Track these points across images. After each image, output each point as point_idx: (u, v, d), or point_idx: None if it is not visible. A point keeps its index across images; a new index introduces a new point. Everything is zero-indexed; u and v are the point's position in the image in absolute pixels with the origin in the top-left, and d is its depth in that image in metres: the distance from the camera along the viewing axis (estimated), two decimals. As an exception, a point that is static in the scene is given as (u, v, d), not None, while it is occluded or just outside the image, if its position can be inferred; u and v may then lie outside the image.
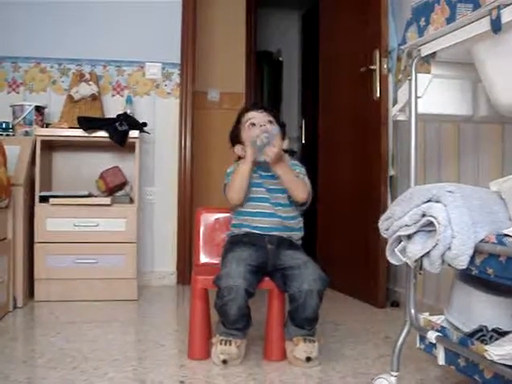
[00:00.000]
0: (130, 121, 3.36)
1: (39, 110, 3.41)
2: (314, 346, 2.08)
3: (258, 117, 2.30)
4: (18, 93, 3.70)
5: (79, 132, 3.26)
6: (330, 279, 2.14)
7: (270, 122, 2.29)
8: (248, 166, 2.22)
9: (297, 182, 2.25)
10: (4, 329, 2.62)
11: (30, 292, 3.17)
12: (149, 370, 2.04)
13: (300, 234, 2.33)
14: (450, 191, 1.46)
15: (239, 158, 2.35)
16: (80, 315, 2.90)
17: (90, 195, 3.33)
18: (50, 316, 2.89)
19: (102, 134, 3.28)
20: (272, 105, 5.58)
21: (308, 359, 2.05)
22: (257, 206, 2.27)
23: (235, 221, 2.33)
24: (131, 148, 3.36)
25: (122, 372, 2.00)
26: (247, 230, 2.27)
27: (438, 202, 1.45)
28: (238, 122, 2.36)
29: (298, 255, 2.18)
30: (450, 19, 1.56)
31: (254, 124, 2.28)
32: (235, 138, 2.36)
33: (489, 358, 1.34)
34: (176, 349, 2.35)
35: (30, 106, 3.38)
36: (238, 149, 2.34)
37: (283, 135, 2.31)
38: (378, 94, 3.13)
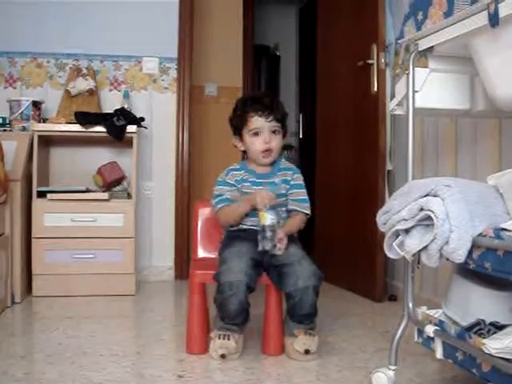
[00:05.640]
0: (127, 116, 3.36)
1: (36, 105, 3.41)
2: (313, 339, 2.09)
3: (263, 127, 2.23)
4: (14, 88, 3.68)
5: (76, 127, 3.25)
6: (327, 273, 2.14)
7: (274, 132, 2.25)
8: (247, 210, 2.20)
9: (296, 229, 2.27)
10: (2, 324, 2.62)
11: (28, 287, 3.17)
12: (147, 364, 2.05)
13: None
14: (447, 185, 1.46)
15: (244, 153, 2.36)
16: (78, 310, 2.90)
17: (87, 190, 3.32)
18: (48, 311, 2.89)
19: (100, 129, 3.27)
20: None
21: (307, 352, 2.06)
22: (252, 209, 2.22)
23: None
24: (129, 143, 3.36)
25: (120, 367, 2.00)
26: (244, 227, 2.27)
27: (435, 196, 1.46)
28: (245, 112, 2.25)
29: (293, 251, 2.16)
30: (448, 13, 1.56)
31: (257, 134, 2.24)
32: (236, 130, 2.31)
33: (486, 351, 1.34)
34: (174, 343, 2.35)
35: (28, 101, 3.37)
36: (236, 143, 2.34)
37: (285, 132, 2.31)
38: (376, 89, 3.13)
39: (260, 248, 2.09)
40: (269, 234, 2.07)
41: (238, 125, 2.29)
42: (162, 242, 3.85)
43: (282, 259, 2.12)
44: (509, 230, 1.34)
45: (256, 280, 2.09)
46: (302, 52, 6.06)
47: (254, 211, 2.19)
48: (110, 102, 3.67)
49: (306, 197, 2.31)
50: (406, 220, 1.52)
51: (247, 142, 2.28)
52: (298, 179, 2.33)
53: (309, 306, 2.07)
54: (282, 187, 2.27)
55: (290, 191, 2.29)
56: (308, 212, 2.29)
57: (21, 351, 2.25)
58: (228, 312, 2.05)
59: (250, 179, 2.29)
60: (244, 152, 2.36)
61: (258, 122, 2.23)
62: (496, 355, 1.33)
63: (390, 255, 1.60)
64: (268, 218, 2.08)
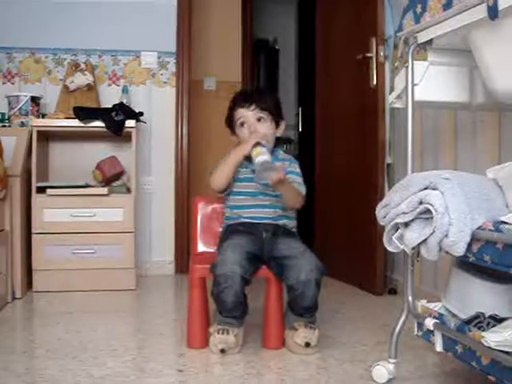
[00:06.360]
0: (126, 110, 3.35)
1: (35, 100, 3.40)
2: (314, 332, 2.09)
3: (247, 116, 2.28)
4: (13, 83, 3.68)
5: (75, 122, 3.25)
6: (327, 267, 2.15)
7: (259, 119, 2.27)
8: (238, 157, 2.22)
9: (294, 196, 2.26)
10: (3, 320, 2.62)
11: (28, 283, 3.17)
12: (148, 359, 2.05)
13: (293, 222, 2.35)
14: (446, 178, 1.46)
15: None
16: (78, 305, 2.91)
17: (86, 185, 3.32)
18: (48, 306, 2.90)
19: (98, 123, 3.26)
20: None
21: (307, 345, 2.06)
22: (249, 199, 2.27)
23: (228, 214, 2.35)
24: (128, 138, 3.35)
25: (121, 361, 2.01)
26: (242, 220, 2.28)
27: (434, 189, 1.45)
28: (232, 113, 2.34)
29: (294, 244, 2.18)
30: (447, 6, 1.55)
31: (242, 124, 2.28)
32: (231, 127, 2.36)
33: (486, 344, 1.35)
34: (175, 338, 2.36)
35: (26, 96, 3.36)
36: (234, 139, 2.36)
37: (279, 117, 2.33)
38: (375, 82, 3.12)
39: (256, 171, 2.13)
40: (262, 161, 2.09)
41: (230, 121, 2.36)
42: (162, 236, 3.86)
43: (283, 251, 2.14)
44: (508, 223, 1.34)
45: (251, 272, 2.09)
46: (301, 45, 6.05)
47: (252, 205, 2.25)
48: (109, 97, 3.66)
49: (303, 184, 2.32)
50: (406, 213, 1.52)
51: (238, 135, 2.32)
52: (295, 168, 2.35)
53: (310, 299, 2.07)
54: None
55: (287, 176, 2.30)
56: (303, 194, 2.29)
57: (22, 346, 2.26)
58: (224, 304, 2.06)
59: (248, 165, 2.30)
60: None
61: (241, 112, 2.29)
62: (495, 348, 1.33)
63: (390, 248, 1.60)
64: (261, 151, 2.12)
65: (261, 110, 2.27)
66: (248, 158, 2.22)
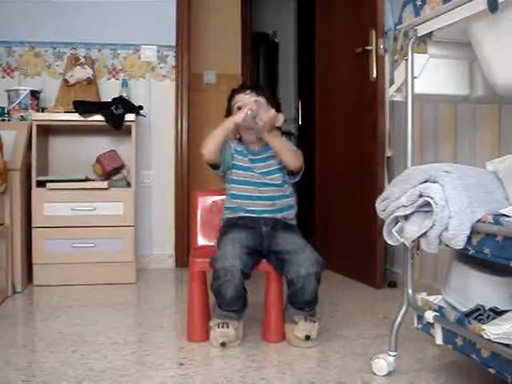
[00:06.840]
0: (125, 104, 3.35)
1: (34, 94, 3.39)
2: (314, 325, 2.10)
3: (243, 99, 2.31)
4: (12, 77, 3.68)
5: (75, 116, 3.24)
6: (328, 260, 2.15)
7: (256, 100, 2.30)
8: (230, 123, 2.24)
9: (290, 150, 2.27)
10: (3, 314, 2.63)
11: (28, 277, 3.18)
12: (148, 352, 2.05)
13: (293, 211, 2.35)
14: (446, 171, 1.46)
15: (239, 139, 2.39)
16: (79, 299, 2.91)
17: (86, 179, 3.33)
18: (49, 300, 2.90)
19: (98, 117, 3.26)
20: (268, 87, 5.53)
21: (307, 338, 2.07)
22: (248, 190, 2.28)
23: (228, 204, 2.35)
24: (127, 131, 3.35)
25: (121, 355, 2.01)
26: (241, 214, 2.28)
27: (434, 182, 1.45)
28: (229, 104, 2.38)
29: (294, 239, 2.19)
30: (447, -2, 1.55)
31: (240, 108, 2.29)
32: None
33: (486, 337, 1.35)
34: (175, 331, 2.36)
35: (26, 90, 3.36)
36: (234, 132, 2.35)
37: (277, 108, 2.35)
38: (375, 75, 3.12)
39: (248, 120, 2.21)
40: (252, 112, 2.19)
41: (228, 113, 2.37)
42: (162, 230, 3.86)
43: (283, 246, 2.14)
44: (508, 216, 1.34)
45: (251, 266, 2.09)
46: (301, 39, 6.03)
47: (251, 196, 2.26)
48: (109, 91, 3.66)
49: (300, 151, 2.33)
50: (406, 206, 1.52)
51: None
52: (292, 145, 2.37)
53: (310, 293, 2.08)
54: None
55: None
56: (300, 155, 2.31)
57: (22, 340, 2.27)
58: (224, 298, 2.06)
59: (244, 151, 2.33)
60: (240, 140, 2.38)
61: (238, 97, 2.34)
62: (495, 341, 1.33)
63: (390, 241, 1.61)
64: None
65: (257, 94, 2.32)
66: (248, 150, 2.22)
